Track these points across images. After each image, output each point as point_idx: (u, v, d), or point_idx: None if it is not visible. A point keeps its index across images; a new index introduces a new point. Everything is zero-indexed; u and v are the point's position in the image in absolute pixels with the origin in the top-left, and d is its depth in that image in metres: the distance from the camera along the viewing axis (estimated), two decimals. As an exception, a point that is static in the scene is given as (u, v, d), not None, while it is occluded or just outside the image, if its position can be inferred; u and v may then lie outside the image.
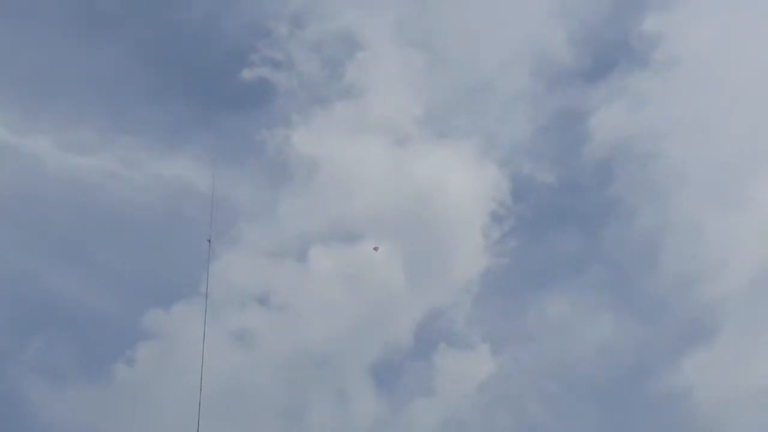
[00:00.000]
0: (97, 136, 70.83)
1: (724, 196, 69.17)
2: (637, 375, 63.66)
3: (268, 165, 70.98)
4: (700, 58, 72.42)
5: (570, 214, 72.11)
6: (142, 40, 75.22)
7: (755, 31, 72.65)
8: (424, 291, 66.11)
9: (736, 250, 66.53)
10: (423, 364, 63.92)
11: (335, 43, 73.26)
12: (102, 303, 64.05)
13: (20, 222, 66.90)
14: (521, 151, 72.35)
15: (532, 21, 74.75)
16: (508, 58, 73.96)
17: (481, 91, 74.01)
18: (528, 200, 71.12)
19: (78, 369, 62.25)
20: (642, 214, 69.56)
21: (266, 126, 71.27)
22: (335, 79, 72.88)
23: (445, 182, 70.41)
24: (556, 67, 74.06)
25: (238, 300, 63.69)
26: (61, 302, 64.01)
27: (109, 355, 61.49)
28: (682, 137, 71.43)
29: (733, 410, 60.29)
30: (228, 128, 72.95)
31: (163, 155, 70.96)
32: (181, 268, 61.08)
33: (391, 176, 70.88)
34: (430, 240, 68.50)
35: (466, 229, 68.90)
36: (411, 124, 71.83)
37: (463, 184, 70.66)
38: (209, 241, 47.01)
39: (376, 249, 63.82)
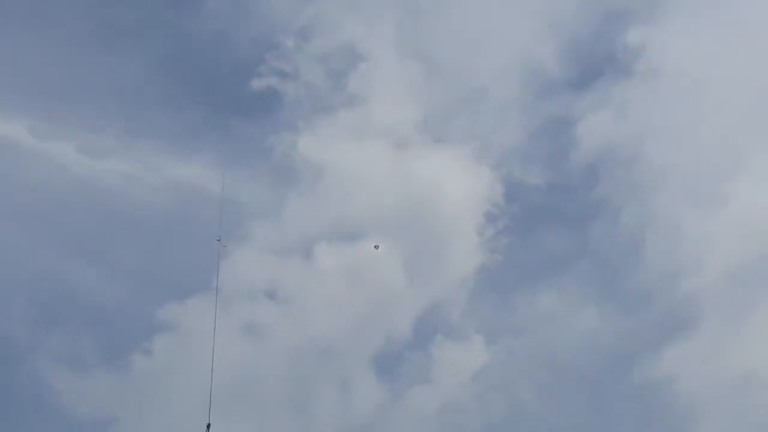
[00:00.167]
0: (116, 141, 71.15)
1: (703, 196, 69.40)
2: (622, 364, 64.03)
3: (275, 168, 71.25)
4: (680, 69, 72.68)
5: (559, 214, 72.53)
6: (158, 52, 75.48)
7: (731, 43, 72.67)
8: (422, 286, 66.57)
9: (713, 247, 66.99)
10: (421, 354, 64.32)
11: (339, 54, 73.44)
12: (120, 297, 64.62)
13: (44, 222, 67.57)
14: (513, 155, 72.63)
15: (523, 34, 74.91)
16: (501, 68, 74.32)
17: (476, 99, 74.21)
18: (519, 201, 71.44)
19: (98, 359, 62.56)
20: (626, 214, 69.74)
21: (274, 132, 71.66)
22: (339, 89, 73.10)
23: (442, 184, 70.82)
24: (546, 76, 74.50)
25: (247, 294, 64.07)
26: (83, 297, 64.65)
27: (128, 346, 62.00)
28: (663, 142, 71.78)
29: (711, 397, 60.94)
30: (238, 134, 73.35)
31: (177, 159, 71.28)
32: (194, 265, 61.06)
33: (391, 179, 71.29)
34: (428, 238, 68.95)
35: (461, 228, 69.30)
36: (410, 129, 72.19)
37: (458, 185, 70.99)
38: (219, 240, 47.47)
39: (376, 247, 63.72)
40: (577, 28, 74.50)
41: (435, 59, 74.68)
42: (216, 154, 70.72)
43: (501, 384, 63.89)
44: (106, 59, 73.53)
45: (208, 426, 42.38)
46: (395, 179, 71.20)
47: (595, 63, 75.40)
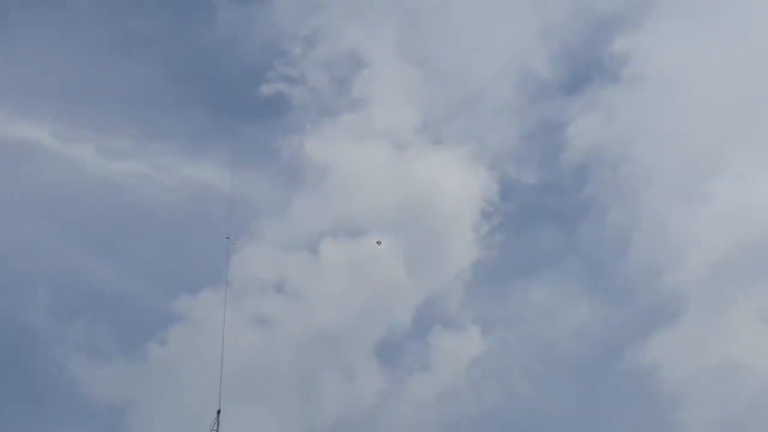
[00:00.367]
0: (132, 143, 71.33)
1: (686, 195, 69.63)
2: (610, 353, 64.22)
3: (283, 169, 71.44)
4: (664, 74, 72.93)
5: (550, 211, 72.80)
6: (172, 59, 75.83)
7: (712, 51, 73.18)
8: (422, 279, 66.61)
9: (696, 243, 67.16)
10: (420, 343, 64.49)
11: (343, 61, 73.56)
12: (137, 290, 64.92)
13: (65, 219, 67.87)
14: (507, 156, 72.71)
15: (517, 41, 75.00)
16: (496, 74, 74.39)
17: (472, 102, 74.37)
18: (513, 199, 71.74)
19: (116, 348, 62.84)
20: (614, 212, 69.97)
21: (282, 134, 72.03)
22: (343, 93, 73.24)
23: (440, 183, 70.95)
24: (538, 82, 74.56)
25: (257, 287, 64.31)
26: (102, 290, 64.95)
27: (144, 336, 62.11)
28: (648, 144, 71.93)
29: (694, 383, 61.37)
30: (248, 136, 73.15)
31: (190, 160, 71.56)
32: (207, 260, 61.05)
33: (392, 178, 71.39)
34: (427, 234, 69.06)
35: (458, 224, 69.42)
36: (410, 132, 72.23)
37: (456, 185, 71.07)
38: (228, 238, 47.60)
39: (379, 243, 64.25)
40: (568, 36, 74.98)
41: (433, 65, 75.19)
42: (226, 156, 70.56)
43: (496, 372, 64.21)
44: (123, 66, 74.14)
45: (219, 412, 42.59)
46: (396, 179, 71.41)
47: (585, 69, 75.82)
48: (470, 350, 63.84)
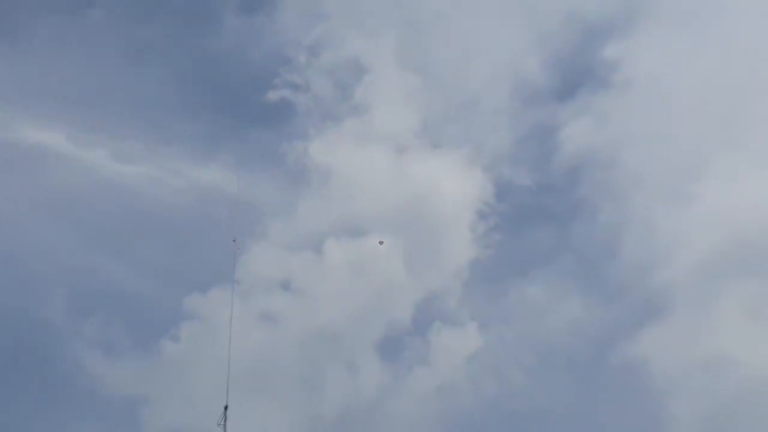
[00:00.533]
0: (144, 147, 71.36)
1: (674, 196, 69.50)
2: (602, 347, 64.06)
3: (288, 172, 71.30)
4: (652, 80, 72.78)
5: (544, 212, 72.59)
6: (182, 67, 75.75)
7: (698, 57, 73.20)
8: (421, 278, 66.53)
9: (684, 241, 67.03)
10: (420, 339, 64.42)
11: (345, 68, 73.60)
12: (150, 289, 64.80)
13: (80, 221, 67.80)
14: (503, 158, 72.60)
15: (511, 48, 74.88)
16: (492, 80, 74.29)
17: (469, 107, 74.37)
18: (509, 200, 71.55)
19: (130, 345, 62.80)
20: (605, 212, 69.88)
21: (287, 139, 71.83)
22: (345, 99, 73.28)
23: (438, 185, 70.84)
24: (532, 87, 74.40)
25: (264, 286, 64.32)
26: (116, 288, 64.84)
27: (157, 333, 62.16)
28: (638, 147, 71.76)
29: (682, 376, 61.08)
30: (254, 141, 73.26)
31: (200, 164, 71.51)
32: (216, 259, 59.96)
33: (393, 180, 71.31)
34: (426, 234, 68.90)
35: (456, 225, 69.34)
36: (409, 135, 72.17)
37: (453, 186, 71.02)
38: (234, 241, 47.66)
39: (381, 243, 64.27)
40: (560, 43, 74.76)
41: (432, 72, 75.10)
42: (234, 160, 70.82)
43: (493, 366, 64.10)
44: (136, 75, 74.12)
45: (226, 407, 42.58)
46: (396, 181, 71.34)
47: (577, 75, 75.71)
48: (468, 345, 63.90)
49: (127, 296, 64.31)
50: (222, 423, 42.37)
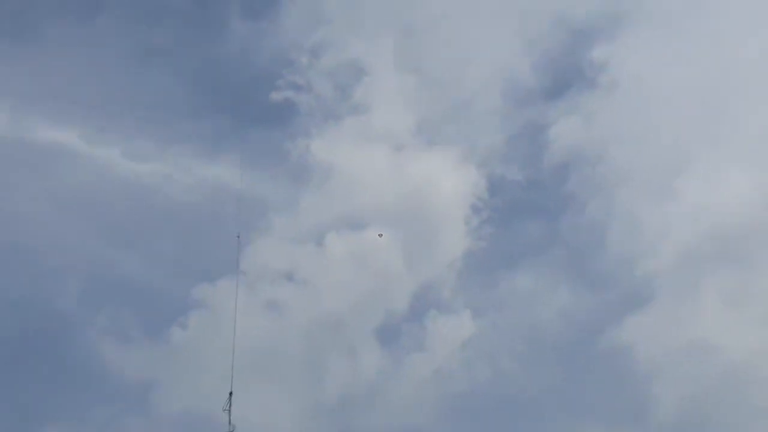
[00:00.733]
0: (154, 146, 71.18)
1: (657, 191, 69.55)
2: (589, 334, 64.20)
3: (291, 169, 71.23)
4: (637, 81, 72.73)
5: (534, 206, 72.60)
6: (190, 69, 75.47)
7: (680, 59, 72.96)
8: (418, 268, 66.63)
9: (667, 234, 67.19)
10: (417, 326, 64.51)
11: (345, 70, 73.32)
12: (159, 279, 64.73)
13: (93, 216, 67.83)
14: (495, 156, 72.39)
15: (503, 51, 74.74)
16: (484, 81, 74.01)
17: (463, 107, 74.13)
18: (501, 195, 71.46)
19: (141, 332, 62.82)
20: (592, 206, 69.87)
21: (290, 137, 71.79)
22: (345, 99, 73.04)
23: (434, 181, 70.82)
24: (523, 88, 74.23)
25: (268, 276, 64.29)
26: (127, 280, 64.90)
27: (167, 321, 62.20)
28: (623, 144, 71.75)
29: (665, 361, 61.35)
30: (259, 139, 72.52)
31: (207, 162, 71.29)
32: (223, 251, 59.49)
33: (391, 177, 71.24)
34: (422, 227, 68.98)
35: (451, 218, 69.35)
36: (406, 134, 72.06)
37: (448, 182, 71.07)
38: (238, 237, 47.68)
39: (380, 236, 64.39)
40: (550, 46, 74.61)
41: (428, 73, 74.92)
42: (240, 157, 70.59)
43: (486, 352, 64.13)
44: (146, 76, 73.77)
45: (231, 393, 42.53)
46: (394, 177, 71.28)
47: (565, 76, 75.57)
48: (462, 332, 64.02)
49: (138, 287, 64.40)
50: (227, 408, 42.30)
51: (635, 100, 72.63)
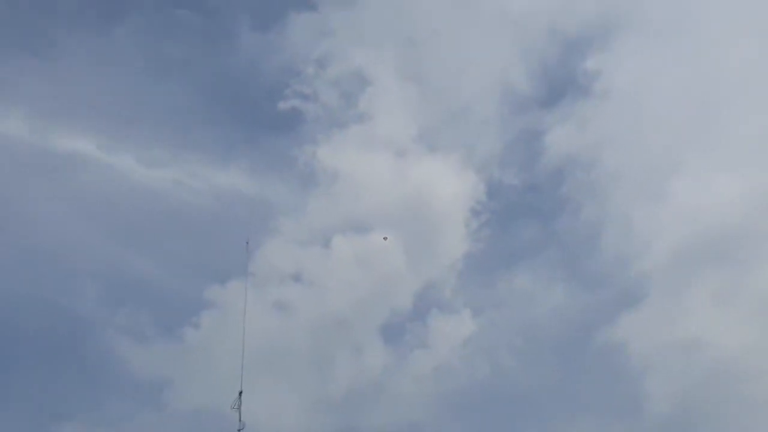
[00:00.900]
0: (168, 153, 71.09)
1: (649, 193, 69.44)
2: (584, 331, 64.12)
3: (299, 174, 71.07)
4: (629, 89, 72.64)
5: (531, 209, 72.43)
6: (202, 79, 75.51)
7: (670, 67, 72.90)
8: (420, 269, 66.50)
9: (658, 235, 67.00)
10: (419, 325, 64.46)
11: (350, 80, 73.11)
12: (173, 281, 64.78)
13: (111, 220, 67.83)
14: (493, 161, 72.24)
15: (500, 61, 74.49)
16: (482, 90, 74.01)
17: (462, 115, 73.95)
18: (499, 199, 71.35)
19: (155, 332, 62.92)
20: (586, 209, 69.85)
21: (297, 144, 71.58)
22: (350, 108, 72.80)
23: (435, 185, 70.66)
24: (519, 96, 74.10)
25: (277, 277, 64.20)
26: (142, 281, 64.83)
27: (179, 321, 62.13)
28: (616, 149, 71.50)
29: (658, 357, 61.22)
30: (268, 146, 73.21)
31: (218, 168, 71.37)
32: (233, 254, 59.72)
33: (394, 181, 71.11)
34: (424, 230, 68.91)
35: (451, 221, 69.25)
36: (408, 140, 71.86)
37: (449, 187, 70.88)
38: (247, 243, 47.77)
39: (385, 238, 64.21)
40: (545, 56, 74.40)
41: (428, 83, 74.84)
42: (250, 164, 71.11)
43: (485, 348, 64.09)
44: (160, 87, 73.66)
45: (240, 393, 42.38)
46: (397, 182, 71.17)
47: (560, 85, 75.36)
48: (462, 330, 63.95)
49: (153, 288, 64.38)
50: (237, 407, 42.10)
51: (627, 107, 72.72)
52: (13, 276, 62.84)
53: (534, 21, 74.12)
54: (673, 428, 58.10)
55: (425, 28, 75.23)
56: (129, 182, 68.95)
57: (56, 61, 72.07)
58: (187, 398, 57.70)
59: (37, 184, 67.66)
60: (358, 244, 66.33)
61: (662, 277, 64.90)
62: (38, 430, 56.85)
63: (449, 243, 68.03)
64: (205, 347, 60.16)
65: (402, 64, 74.13)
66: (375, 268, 65.78)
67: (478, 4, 75.05)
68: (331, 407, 59.26)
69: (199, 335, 61.19)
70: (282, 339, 61.35)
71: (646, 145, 71.51)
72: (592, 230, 68.40)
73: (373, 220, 67.03)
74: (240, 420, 41.61)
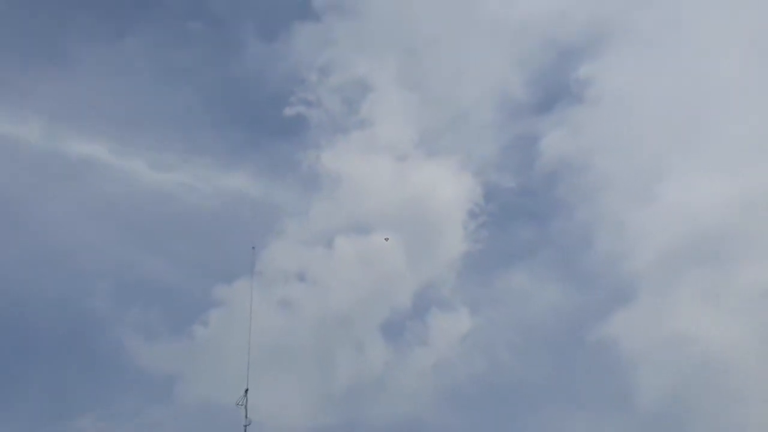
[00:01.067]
0: (177, 157, 71.08)
1: (639, 196, 69.31)
2: (577, 328, 63.93)
3: (303, 177, 71.05)
4: (620, 96, 72.49)
5: (527, 211, 72.39)
6: (210, 87, 75.65)
7: (658, 76, 73.16)
8: (420, 269, 66.35)
9: (648, 236, 66.82)
10: (419, 322, 64.28)
11: (352, 87, 73.21)
12: (183, 280, 64.78)
13: (122, 222, 67.80)
14: (490, 165, 72.34)
15: (497, 70, 74.54)
16: (480, 97, 73.97)
17: (460, 121, 74.02)
18: (496, 201, 71.16)
19: (166, 329, 62.90)
20: (579, 210, 69.74)
21: (302, 149, 71.74)
22: (352, 114, 72.85)
23: (434, 188, 70.59)
24: (515, 103, 74.05)
25: (282, 277, 64.23)
26: (153, 280, 64.88)
27: (189, 319, 62.15)
28: (607, 154, 71.33)
29: (648, 352, 61.14)
30: (273, 151, 73.37)
31: (225, 171, 71.30)
32: (241, 255, 59.98)
33: (394, 185, 71.02)
34: (423, 231, 68.66)
35: (450, 222, 69.16)
36: (408, 145, 71.86)
37: (447, 189, 70.85)
38: (253, 248, 47.67)
39: (386, 239, 64.20)
40: (540, 64, 74.56)
41: (428, 90, 74.82)
42: (256, 167, 71.13)
43: (482, 345, 64.02)
44: (170, 94, 73.74)
45: (246, 390, 42.17)
46: (397, 185, 71.11)
47: (554, 92, 75.22)
48: (461, 328, 63.85)
49: (163, 287, 64.42)
50: (242, 404, 41.82)
51: (618, 113, 72.64)
52: (29, 275, 63.18)
53: (529, 31, 74.40)
54: (663, 419, 58.09)
55: (425, 38, 75.47)
56: (140, 185, 69.13)
57: (71, 70, 72.44)
58: (196, 392, 57.84)
59: (52, 187, 67.89)
60: (360, 245, 66.36)
61: (652, 276, 64.90)
62: (54, 422, 56.88)
63: (448, 243, 68.03)
64: (214, 344, 60.20)
65: (402, 72, 74.35)
66: (376, 267, 65.77)
67: (476, 15, 75.34)
68: (334, 402, 59.29)
69: (208, 333, 61.34)
70: (287, 336, 61.35)
71: (636, 149, 71.62)
72: (585, 231, 68.43)
73: (375, 222, 67.01)
74: (246, 417, 41.43)
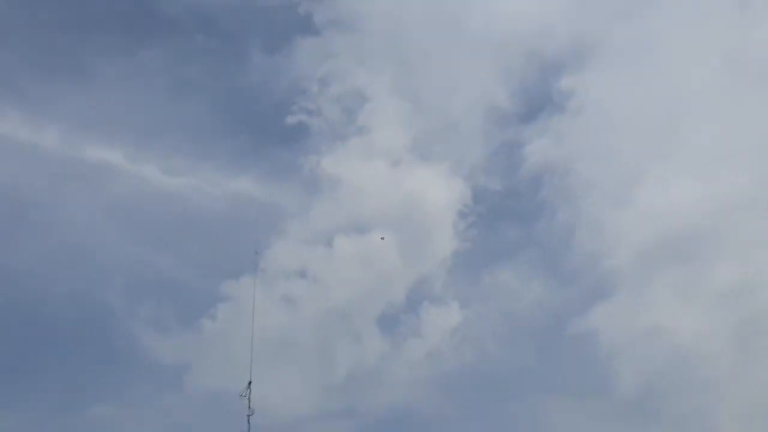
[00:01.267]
0: (188, 163, 70.93)
1: (618, 199, 69.53)
2: (559, 321, 64.37)
3: (304, 181, 71.02)
4: (600, 106, 72.38)
5: (512, 212, 72.51)
6: (217, 97, 75.42)
7: (636, 87, 73.12)
8: (413, 266, 66.58)
9: (626, 236, 67.13)
10: (413, 316, 64.61)
11: (350, 97, 72.87)
12: (193, 276, 65.06)
13: (136, 223, 67.95)
14: (479, 169, 72.22)
15: (485, 80, 74.46)
16: (469, 106, 73.87)
17: (451, 129, 73.84)
18: (484, 203, 71.24)
19: (176, 322, 62.98)
20: (561, 212, 69.99)
21: (303, 154, 71.43)
22: (350, 122, 72.61)
23: (426, 191, 70.59)
24: (502, 112, 73.88)
25: (284, 274, 64.28)
26: (164, 277, 65.04)
27: (198, 313, 62.28)
28: (588, 160, 71.46)
29: (625, 345, 61.63)
30: (277, 156, 73.25)
31: (232, 176, 71.17)
32: (246, 253, 60.35)
33: (390, 187, 71.00)
34: (417, 231, 68.87)
35: (441, 223, 69.28)
36: (403, 151, 71.80)
37: (439, 192, 70.88)
38: (257, 253, 47.83)
39: (382, 239, 64.34)
40: (524, 76, 74.44)
41: (421, 99, 74.67)
42: (260, 172, 71.15)
43: (471, 337, 64.28)
44: (180, 103, 73.52)
45: (250, 383, 42.24)
46: (392, 188, 71.10)
47: (538, 102, 75.13)
48: (451, 321, 64.15)
49: (173, 283, 64.63)
50: (245, 395, 41.89)
51: (598, 122, 72.70)
52: (49, 272, 63.45)
53: (514, 45, 74.25)
54: (639, 406, 58.64)
55: (418, 52, 75.30)
56: (152, 188, 69.06)
57: (89, 83, 72.37)
58: (204, 382, 57.93)
59: (71, 190, 68.02)
60: (358, 244, 66.46)
61: (629, 273, 65.33)
62: (72, 409, 57.30)
63: (439, 242, 68.24)
64: (221, 337, 60.33)
65: (397, 83, 74.23)
66: (373, 265, 65.97)
67: (465, 30, 75.05)
68: (334, 391, 59.60)
69: (216, 326, 61.34)
70: (289, 330, 61.60)
71: (615, 156, 71.71)
72: (567, 231, 68.72)
73: (372, 222, 67.13)
74: (249, 407, 41.55)
